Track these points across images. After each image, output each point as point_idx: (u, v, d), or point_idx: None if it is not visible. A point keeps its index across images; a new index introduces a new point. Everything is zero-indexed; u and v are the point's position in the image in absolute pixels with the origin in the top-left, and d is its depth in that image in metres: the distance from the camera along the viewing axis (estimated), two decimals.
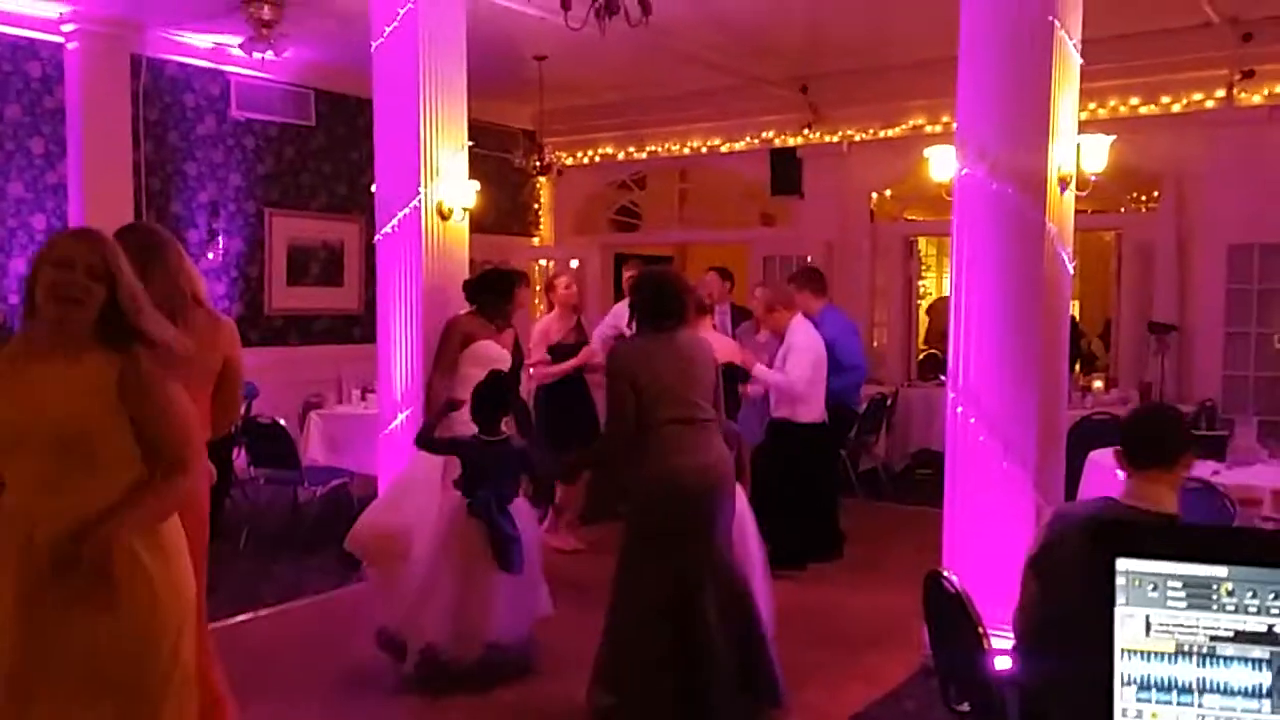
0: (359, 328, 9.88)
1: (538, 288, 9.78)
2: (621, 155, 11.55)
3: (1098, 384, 8.54)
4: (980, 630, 2.89)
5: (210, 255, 9.18)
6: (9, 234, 7.92)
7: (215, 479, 3.49)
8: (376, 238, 6.35)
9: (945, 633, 3.10)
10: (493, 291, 5.58)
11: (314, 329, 10.00)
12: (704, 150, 10.98)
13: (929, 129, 9.39)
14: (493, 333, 5.45)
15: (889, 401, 9.01)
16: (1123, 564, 0.81)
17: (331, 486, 7.32)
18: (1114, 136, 5.11)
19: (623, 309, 7.92)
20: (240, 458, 7.29)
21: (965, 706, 3.06)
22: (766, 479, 6.36)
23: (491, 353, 5.34)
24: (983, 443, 4.51)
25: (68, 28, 7.88)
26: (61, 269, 2.42)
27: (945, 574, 3.07)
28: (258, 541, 6.93)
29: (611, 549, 4.35)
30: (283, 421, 7.03)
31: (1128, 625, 0.81)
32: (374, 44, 6.25)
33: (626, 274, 8.18)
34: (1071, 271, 4.75)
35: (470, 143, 6.46)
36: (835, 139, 10.20)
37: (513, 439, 4.72)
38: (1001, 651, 2.91)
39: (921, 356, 10.94)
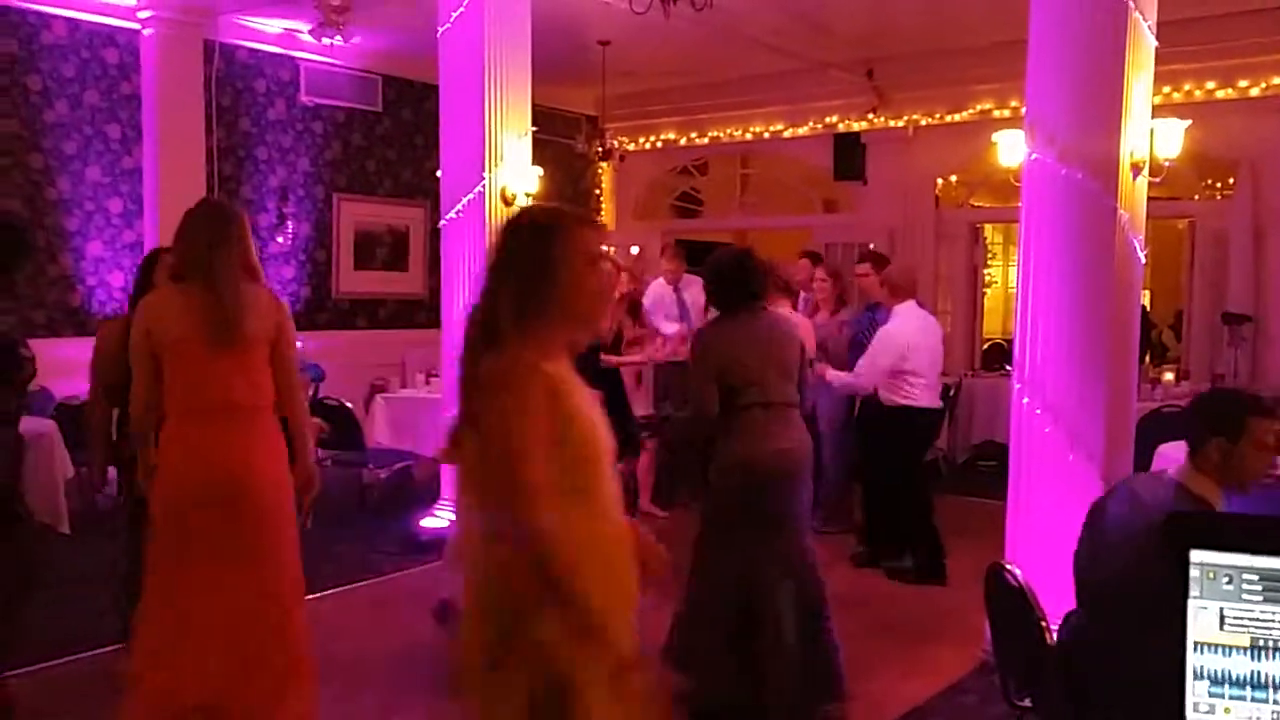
0: (424, 312, 10.00)
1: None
2: (683, 141, 11.52)
3: (1168, 376, 8.34)
4: (1043, 625, 2.86)
5: (280, 239, 9.35)
6: (86, 217, 8.14)
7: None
8: (441, 223, 6.42)
9: (1007, 627, 3.07)
10: None
11: (379, 313, 10.14)
12: (766, 135, 10.91)
13: (996, 113, 9.23)
14: None
15: (952, 392, 8.89)
16: (1197, 555, 0.80)
17: (396, 469, 7.45)
18: (1189, 121, 4.98)
19: (659, 291, 7.92)
20: None
21: (1027, 702, 3.03)
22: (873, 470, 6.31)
23: None
24: (1049, 434, 4.44)
25: (144, 14, 8.07)
26: None
27: (1008, 567, 3.04)
28: (323, 523, 7.02)
29: (673, 538, 4.37)
30: (349, 404, 7.16)
31: (1201, 618, 0.80)
32: (440, 30, 6.31)
33: (664, 264, 8.15)
34: (1144, 260, 4.64)
35: (533, 128, 6.50)
36: (900, 124, 10.07)
37: None
38: None
39: (986, 346, 10.78)
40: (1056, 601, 3.14)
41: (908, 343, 5.90)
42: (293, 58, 9.32)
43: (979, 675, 4.37)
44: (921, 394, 5.96)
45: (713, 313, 4.18)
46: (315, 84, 9.51)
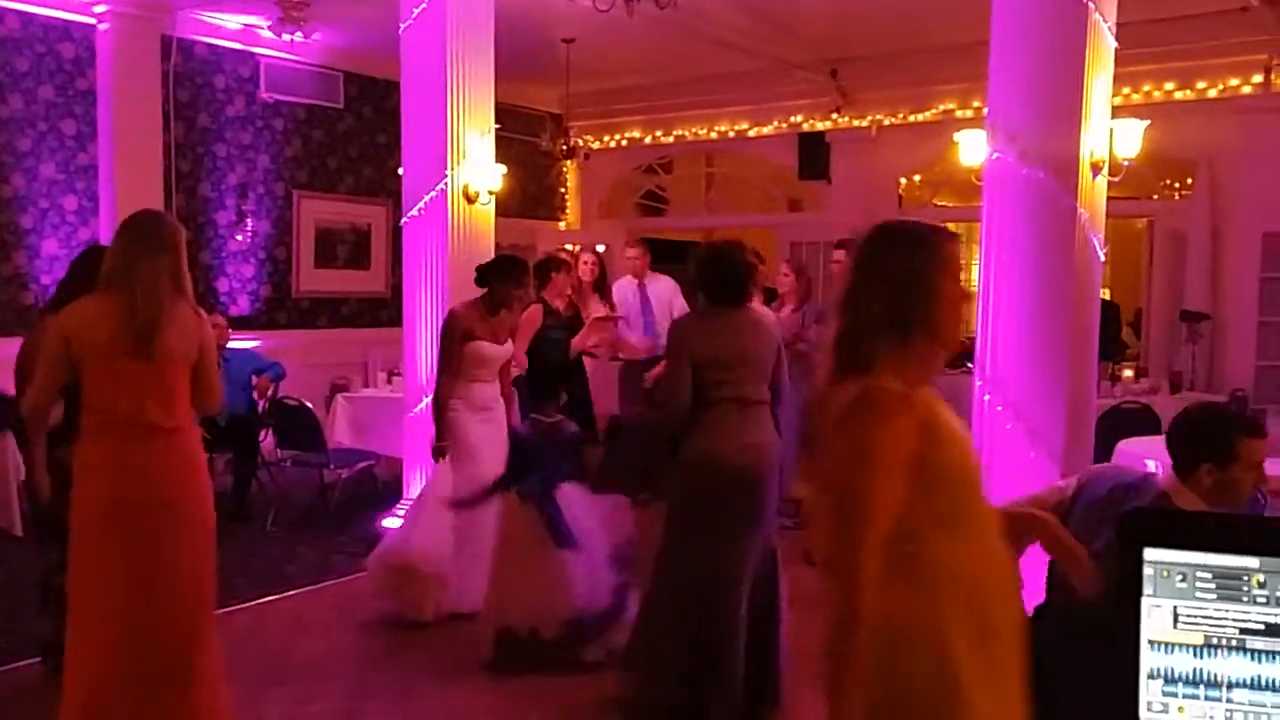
0: (386, 311, 9.91)
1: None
2: (648, 139, 11.50)
3: (1128, 373, 8.43)
4: None
5: (239, 237, 9.23)
6: (41, 215, 7.99)
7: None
8: (403, 221, 6.37)
9: None
10: (502, 277, 5.33)
11: (341, 312, 10.04)
12: (731, 134, 10.92)
13: (960, 113, 9.30)
14: (490, 327, 5.25)
15: None
16: (1151, 554, 0.79)
17: (358, 469, 7.37)
18: (1148, 122, 5.04)
19: (623, 288, 7.86)
20: (267, 440, 7.35)
21: None
22: None
23: (488, 353, 5.20)
24: (1009, 430, 4.48)
25: (100, 9, 7.93)
26: None
27: None
28: (285, 523, 6.98)
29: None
30: (309, 404, 7.08)
31: (1155, 616, 0.79)
32: (402, 26, 6.26)
33: (628, 252, 8.09)
34: (1103, 258, 4.69)
35: (497, 126, 6.46)
36: (864, 123, 10.12)
37: (564, 422, 4.68)
38: None
39: None
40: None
41: None
42: (252, 53, 9.20)
43: None
44: None
45: (683, 307, 4.15)
46: (275, 80, 9.40)
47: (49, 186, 8.04)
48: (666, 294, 7.79)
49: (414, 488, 6.49)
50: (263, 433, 7.33)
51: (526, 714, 4.08)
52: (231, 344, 7.36)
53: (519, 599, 4.41)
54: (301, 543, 6.54)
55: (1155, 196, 9.52)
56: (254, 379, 7.34)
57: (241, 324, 8.71)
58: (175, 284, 3.26)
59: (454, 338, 5.17)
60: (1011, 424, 4.47)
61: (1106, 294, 8.80)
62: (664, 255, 8.76)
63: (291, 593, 5.58)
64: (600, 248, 11.39)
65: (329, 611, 5.32)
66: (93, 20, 8.02)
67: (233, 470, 7.13)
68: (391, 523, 6.32)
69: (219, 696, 3.44)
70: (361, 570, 5.93)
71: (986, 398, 4.58)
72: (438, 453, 5.18)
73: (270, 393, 7.43)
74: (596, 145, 11.68)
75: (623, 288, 7.81)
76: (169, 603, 3.24)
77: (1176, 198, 9.40)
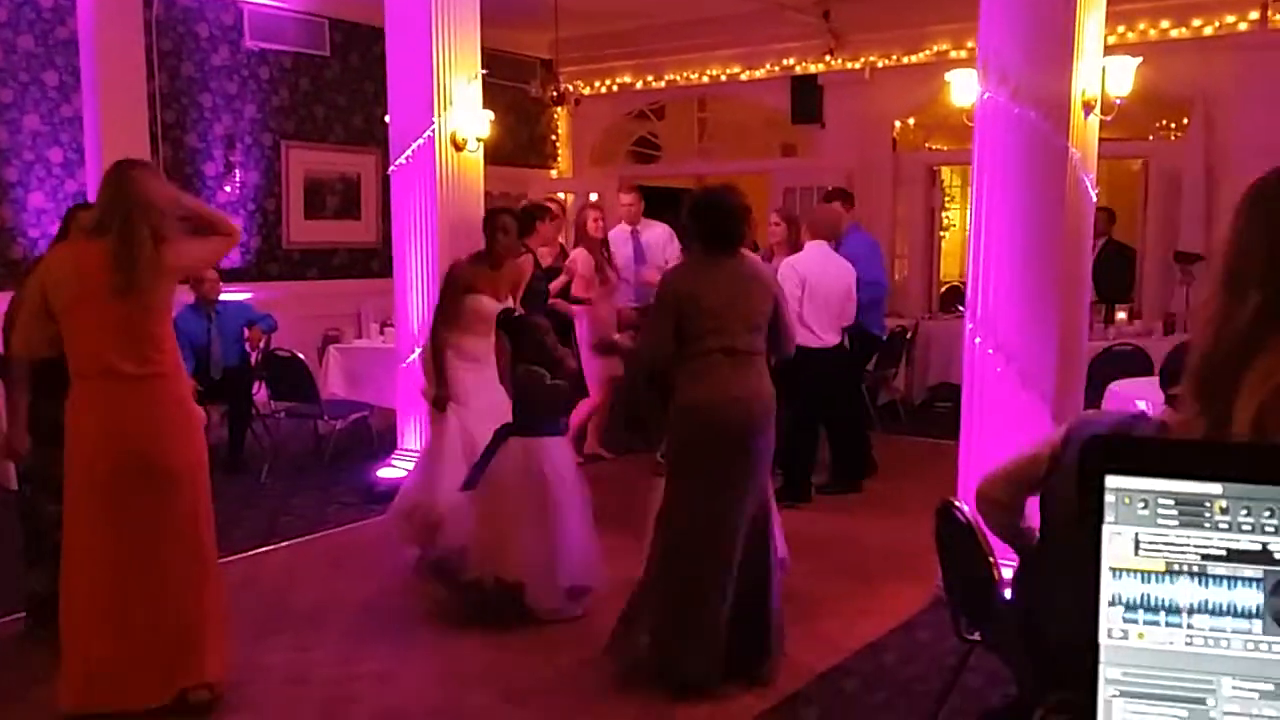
0: (377, 261, 9.86)
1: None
2: (639, 85, 11.38)
3: (1121, 314, 8.44)
4: (991, 560, 2.89)
5: (227, 189, 9.16)
6: (26, 167, 7.92)
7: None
8: (391, 169, 6.32)
9: (957, 563, 3.10)
10: (487, 227, 5.40)
11: (332, 263, 9.99)
12: (723, 79, 10.80)
13: (954, 54, 9.18)
14: (491, 281, 5.28)
15: (909, 334, 8.95)
16: (1112, 481, 0.78)
17: (351, 420, 7.39)
18: (1140, 59, 4.98)
19: (616, 235, 7.83)
20: (260, 392, 7.35)
21: (976, 636, 3.07)
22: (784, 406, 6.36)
23: (487, 308, 5.19)
24: (1000, 373, 4.48)
25: None
26: None
27: (957, 504, 3.06)
28: (279, 475, 7.00)
29: (624, 482, 4.35)
30: (302, 355, 7.07)
31: (1115, 543, 0.79)
32: None
33: (623, 198, 8.06)
34: (1094, 199, 4.66)
35: (484, 72, 6.38)
36: (857, 66, 10.01)
37: (535, 370, 4.56)
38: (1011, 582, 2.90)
39: (945, 289, 10.83)
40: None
41: (804, 278, 6.05)
42: (235, 1, 9.06)
43: (932, 610, 4.43)
44: (812, 333, 6.07)
45: (677, 254, 4.09)
46: (259, 28, 9.26)
47: (33, 139, 7.95)
48: (660, 241, 7.76)
49: (408, 438, 6.52)
50: (256, 385, 7.33)
51: (524, 663, 4.11)
52: (223, 296, 7.34)
53: (502, 550, 4.38)
54: (297, 494, 6.58)
55: (1150, 137, 9.45)
56: (246, 331, 7.32)
57: (233, 276, 8.67)
58: (153, 230, 3.23)
59: (456, 289, 5.18)
60: (1002, 366, 4.47)
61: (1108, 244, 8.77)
62: (657, 202, 8.69)
63: (287, 543, 5.62)
64: (593, 196, 11.35)
65: (325, 561, 5.36)
66: None
67: (227, 423, 7.14)
68: (390, 473, 6.36)
69: (220, 643, 3.47)
70: (357, 519, 6.00)
71: (978, 340, 4.57)
72: (440, 402, 5.15)
73: (263, 345, 7.42)
74: (587, 91, 11.56)
75: (616, 235, 7.78)
76: (161, 551, 3.26)
77: (1172, 138, 9.33)
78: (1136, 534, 0.76)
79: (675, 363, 3.80)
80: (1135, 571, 0.77)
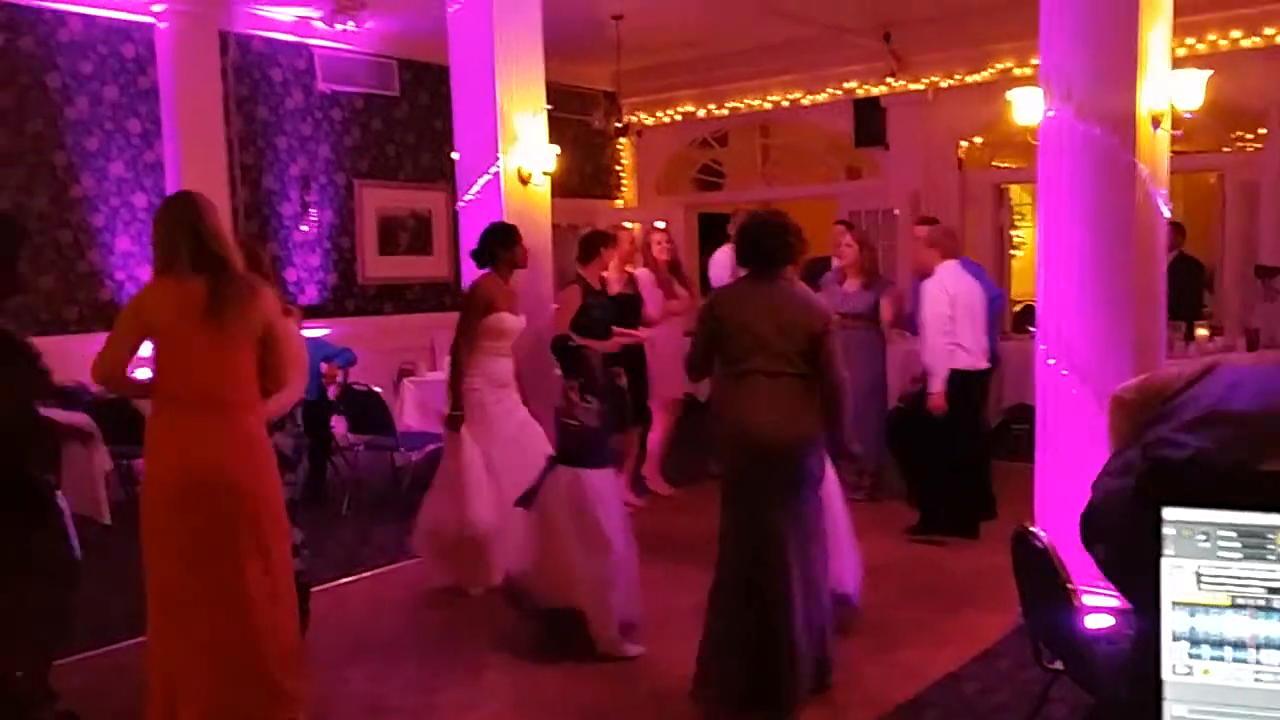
0: (449, 295, 10.03)
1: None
2: (702, 113, 11.44)
3: (1202, 331, 8.21)
4: (1069, 587, 2.84)
5: (304, 228, 9.41)
6: (112, 213, 8.23)
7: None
8: (459, 205, 6.43)
9: (1035, 590, 3.05)
10: (499, 244, 5.42)
11: (406, 297, 10.19)
12: (785, 104, 10.82)
13: (1018, 71, 9.08)
14: (507, 297, 5.35)
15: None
16: (1170, 513, 0.78)
17: (427, 451, 7.49)
18: (1210, 72, 4.88)
19: (723, 257, 7.88)
20: (339, 425, 7.50)
21: (1058, 665, 3.01)
22: (917, 435, 6.18)
23: (509, 325, 5.27)
24: (1075, 394, 4.41)
25: (158, 8, 8.11)
26: None
27: (1033, 530, 3.01)
28: (359, 506, 7.13)
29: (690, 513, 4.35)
30: (378, 389, 7.21)
31: (1176, 577, 0.79)
32: (450, 9, 6.30)
33: (732, 228, 8.06)
34: (1168, 214, 4.57)
35: (549, 106, 6.48)
36: (920, 86, 9.95)
37: (585, 400, 4.59)
38: (1091, 609, 2.85)
39: (1018, 308, 10.66)
40: (1086, 563, 3.11)
41: (953, 296, 5.82)
42: (308, 45, 9.34)
43: (1014, 639, 4.35)
44: (967, 357, 5.85)
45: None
46: (331, 71, 9.53)
47: (118, 185, 8.26)
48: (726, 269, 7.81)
49: None
50: (334, 419, 7.48)
51: (600, 691, 4.13)
52: (303, 333, 7.50)
53: (553, 579, 4.42)
54: (376, 525, 6.69)
55: (1226, 149, 9.23)
56: (324, 366, 7.49)
57: (310, 313, 8.87)
58: (223, 258, 3.31)
59: (478, 307, 5.21)
60: (1077, 388, 4.40)
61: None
62: (719, 229, 8.72)
63: (367, 574, 5.71)
64: (660, 224, 11.41)
65: (404, 591, 5.44)
66: (152, 19, 8.20)
67: (308, 456, 7.29)
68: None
69: (298, 673, 3.53)
70: None
71: (1050, 361, 4.50)
72: (454, 422, 5.17)
73: (340, 379, 7.58)
74: (650, 121, 11.65)
75: (723, 257, 7.85)
76: (231, 581, 3.30)
77: (1248, 150, 9.10)
78: (1198, 568, 0.77)
79: (718, 381, 3.86)
80: (1198, 606, 0.77)
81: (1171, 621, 0.79)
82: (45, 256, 7.83)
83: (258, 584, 3.34)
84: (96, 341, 3.97)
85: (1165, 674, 0.79)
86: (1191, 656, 0.80)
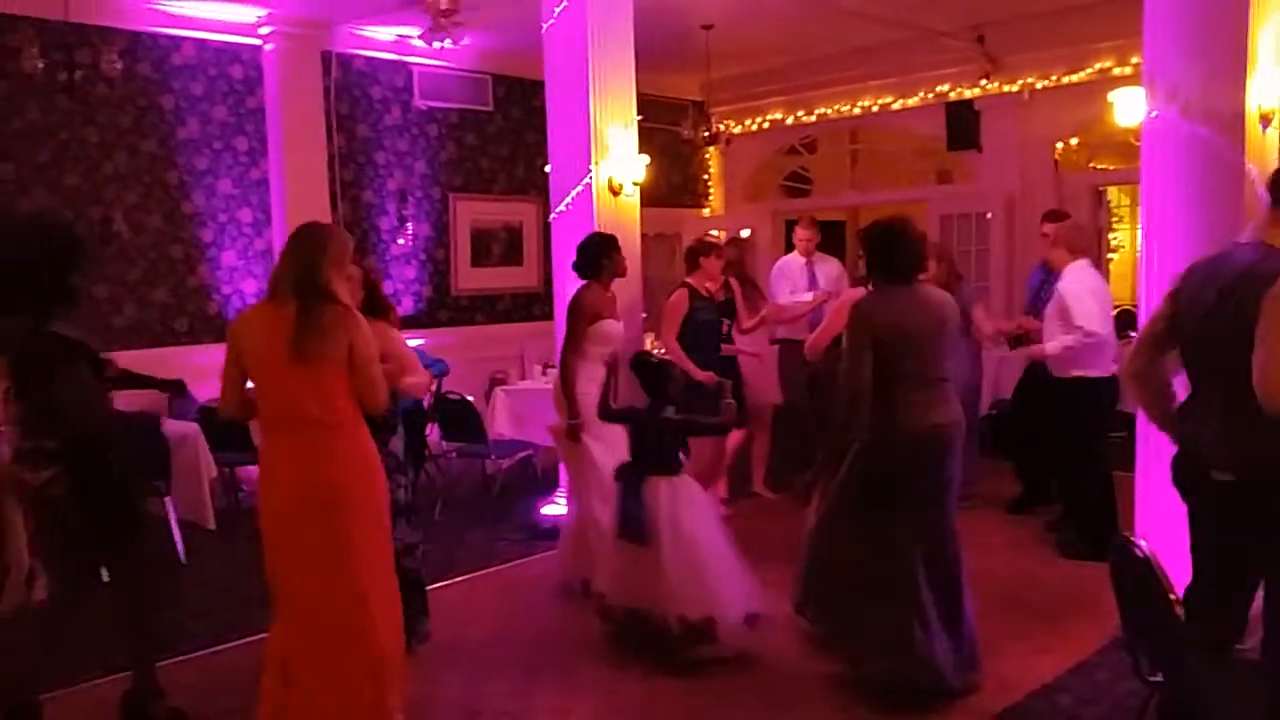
0: (539, 305, 10.19)
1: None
2: (790, 120, 11.41)
3: None
4: (1171, 597, 2.77)
5: (400, 241, 9.65)
6: (220, 229, 8.55)
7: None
8: (552, 216, 6.54)
9: (1134, 601, 2.99)
10: (603, 254, 5.48)
11: (497, 308, 10.37)
12: (875, 109, 10.72)
13: (1117, 71, 8.86)
14: (612, 305, 5.45)
15: None
16: None
17: (517, 459, 7.63)
18: None
19: (789, 264, 7.89)
20: (433, 433, 7.68)
21: (1158, 677, 2.95)
22: (1058, 449, 6.01)
23: (614, 331, 5.37)
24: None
25: (264, 30, 8.42)
26: None
27: (1133, 540, 2.95)
28: (451, 512, 7.28)
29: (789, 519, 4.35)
30: (470, 398, 7.36)
31: None
32: (544, 26, 6.41)
33: (801, 232, 8.06)
34: None
35: (639, 117, 6.55)
36: (1015, 88, 9.76)
37: (666, 414, 4.64)
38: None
39: (1116, 312, 10.35)
40: (1186, 574, 3.04)
41: (1100, 298, 5.70)
42: (406, 63, 9.59)
43: (1111, 651, 4.26)
44: (1099, 362, 5.69)
45: (847, 286, 4.14)
46: (428, 87, 9.77)
47: (226, 201, 8.59)
48: (834, 275, 7.87)
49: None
50: (429, 426, 7.66)
51: (695, 699, 4.16)
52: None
53: (628, 583, 4.48)
54: (468, 530, 6.82)
55: None
56: None
57: (406, 323, 9.06)
58: (318, 287, 3.41)
59: (584, 316, 5.30)
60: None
61: None
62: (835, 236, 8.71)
63: (462, 578, 5.83)
64: (745, 232, 11.42)
65: (496, 595, 5.55)
66: (258, 41, 8.52)
67: (405, 463, 7.46)
68: (554, 510, 6.55)
69: (399, 677, 3.63)
70: (524, 555, 6.19)
71: None
72: (574, 431, 5.24)
73: (435, 388, 7.75)
74: (738, 130, 11.66)
75: (791, 265, 7.88)
76: (345, 592, 3.44)
77: None
78: None
79: (879, 387, 3.85)
80: None
81: None
82: (158, 271, 8.18)
83: (367, 585, 3.46)
84: (203, 352, 4.17)
85: None
86: None
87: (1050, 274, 6.20)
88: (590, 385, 5.31)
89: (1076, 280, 5.71)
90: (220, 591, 5.54)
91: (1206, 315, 2.96)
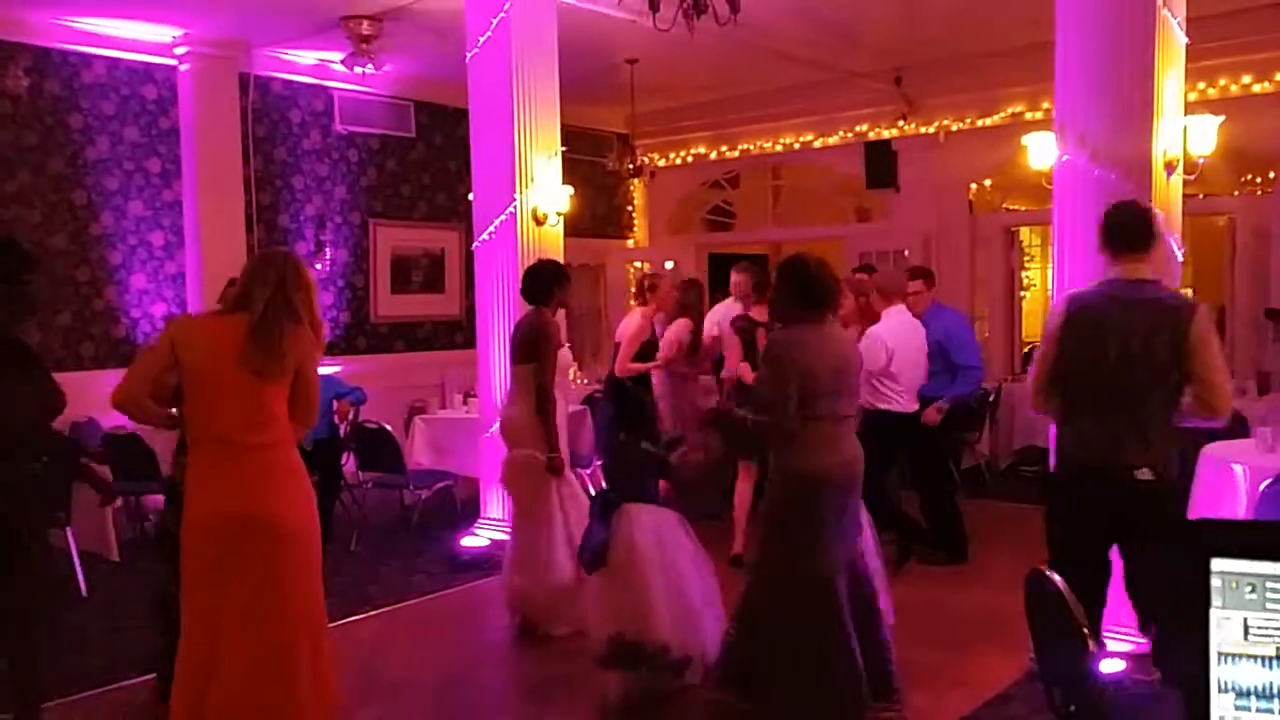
0: (460, 333, 10.09)
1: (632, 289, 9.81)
2: (714, 155, 11.54)
3: None
4: (1084, 631, 2.81)
5: (318, 266, 9.47)
6: (130, 251, 8.30)
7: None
8: (475, 245, 6.49)
9: (1048, 634, 3.03)
10: (555, 283, 5.25)
11: (418, 335, 10.24)
12: (796, 146, 10.90)
13: (1029, 115, 9.17)
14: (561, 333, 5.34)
15: (991, 397, 8.81)
16: (1218, 564, 0.79)
17: (436, 489, 7.50)
18: (1222, 117, 4.92)
19: (725, 309, 7.90)
20: (349, 463, 7.52)
21: (1072, 709, 2.98)
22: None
23: (567, 360, 5.33)
24: None
25: (180, 50, 8.24)
26: None
27: (1047, 572, 2.99)
28: (367, 544, 7.12)
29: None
30: (389, 427, 7.22)
31: (1224, 628, 0.79)
32: (469, 54, 6.39)
33: (735, 276, 8.08)
34: (1180, 259, 4.59)
35: (563, 148, 6.55)
36: (931, 130, 10.03)
37: (643, 444, 4.61)
38: (1109, 654, 2.83)
39: (1027, 350, 10.66)
40: (1100, 606, 3.10)
41: (890, 346, 6.00)
42: (326, 88, 9.46)
43: (1026, 684, 4.31)
44: (898, 399, 6.07)
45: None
46: (349, 112, 9.65)
47: (137, 223, 8.35)
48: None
49: (491, 507, 6.61)
50: (345, 456, 7.50)
51: None
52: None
53: (610, 612, 4.39)
54: (384, 563, 6.67)
55: (1236, 193, 9.26)
56: (335, 404, 7.50)
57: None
58: (290, 310, 3.34)
59: (555, 342, 5.08)
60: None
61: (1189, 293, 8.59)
62: (729, 269, 8.73)
63: (376, 612, 5.69)
64: (669, 264, 11.47)
65: (412, 630, 5.42)
66: (174, 61, 8.33)
67: (317, 493, 7.28)
68: (474, 541, 6.46)
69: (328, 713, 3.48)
70: (443, 588, 6.07)
71: None
72: (554, 464, 5.02)
73: (351, 417, 7.60)
74: (663, 163, 11.75)
75: (724, 313, 7.82)
76: (273, 622, 3.29)
77: (1258, 194, 9.13)
78: (1245, 619, 0.77)
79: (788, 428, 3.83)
80: (1246, 657, 0.77)
81: (1218, 672, 0.79)
82: (63, 294, 7.90)
83: (293, 616, 3.33)
84: (111, 378, 4.00)
85: None
86: (1239, 709, 0.80)
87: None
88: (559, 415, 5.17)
89: (875, 332, 6.09)
90: (121, 626, 5.32)
91: (1106, 347, 3.54)
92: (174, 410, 3.48)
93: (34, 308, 3.92)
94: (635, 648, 4.26)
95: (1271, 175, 8.77)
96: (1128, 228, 3.67)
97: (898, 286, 6.36)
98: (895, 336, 6.08)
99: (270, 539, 3.28)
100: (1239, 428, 6.41)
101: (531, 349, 5.07)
